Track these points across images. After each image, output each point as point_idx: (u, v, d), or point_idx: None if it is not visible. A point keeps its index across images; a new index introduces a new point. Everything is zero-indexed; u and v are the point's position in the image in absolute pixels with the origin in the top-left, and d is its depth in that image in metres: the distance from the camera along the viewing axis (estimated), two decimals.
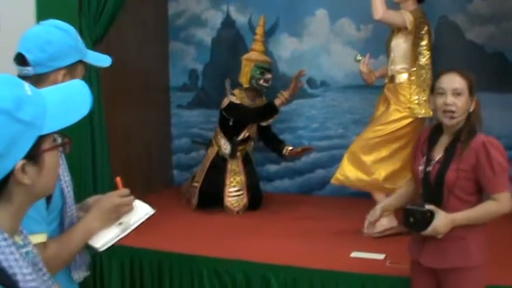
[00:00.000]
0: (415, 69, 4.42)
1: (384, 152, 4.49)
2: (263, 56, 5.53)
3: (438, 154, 2.77)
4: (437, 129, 2.86)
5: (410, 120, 4.42)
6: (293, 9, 6.06)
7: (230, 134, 5.48)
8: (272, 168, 6.23)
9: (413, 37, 4.41)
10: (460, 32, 5.52)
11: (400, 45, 4.50)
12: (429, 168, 2.75)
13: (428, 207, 2.66)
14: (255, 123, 5.54)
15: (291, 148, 5.50)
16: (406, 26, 4.38)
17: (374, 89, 5.00)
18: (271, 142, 5.70)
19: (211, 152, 5.59)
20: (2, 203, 1.24)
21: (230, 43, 6.39)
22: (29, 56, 1.95)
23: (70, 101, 1.33)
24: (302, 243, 4.35)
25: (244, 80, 5.44)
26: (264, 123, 5.58)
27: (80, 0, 4.40)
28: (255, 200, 5.50)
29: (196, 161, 6.14)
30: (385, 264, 3.86)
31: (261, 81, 5.40)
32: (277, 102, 5.32)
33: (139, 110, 5.98)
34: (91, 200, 2.13)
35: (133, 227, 2.05)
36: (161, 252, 4.21)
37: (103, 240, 1.99)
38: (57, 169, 1.34)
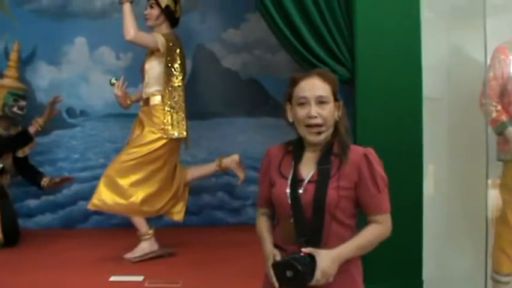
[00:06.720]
0: (168, 91, 4.45)
1: (140, 175, 4.44)
2: (17, 83, 5.32)
3: (308, 172, 2.21)
4: (296, 145, 2.31)
5: (165, 141, 4.43)
6: (51, 37, 5.82)
7: None
8: (32, 203, 5.88)
9: (166, 59, 4.45)
10: (216, 59, 5.72)
11: (153, 67, 4.52)
12: (300, 191, 2.18)
13: (304, 250, 2.11)
14: (9, 153, 5.23)
15: (49, 179, 5.29)
16: (158, 48, 4.42)
17: (134, 117, 4.93)
18: (29, 174, 5.43)
19: None
20: None
21: None
22: None
23: None
24: (64, 275, 4.15)
25: None
26: (20, 155, 5.31)
27: None
28: (11, 236, 5.11)
29: None
30: (144, 285, 3.83)
31: (15, 109, 5.18)
32: (31, 129, 5.13)
33: None
34: None
35: None
36: None
37: None
38: None
